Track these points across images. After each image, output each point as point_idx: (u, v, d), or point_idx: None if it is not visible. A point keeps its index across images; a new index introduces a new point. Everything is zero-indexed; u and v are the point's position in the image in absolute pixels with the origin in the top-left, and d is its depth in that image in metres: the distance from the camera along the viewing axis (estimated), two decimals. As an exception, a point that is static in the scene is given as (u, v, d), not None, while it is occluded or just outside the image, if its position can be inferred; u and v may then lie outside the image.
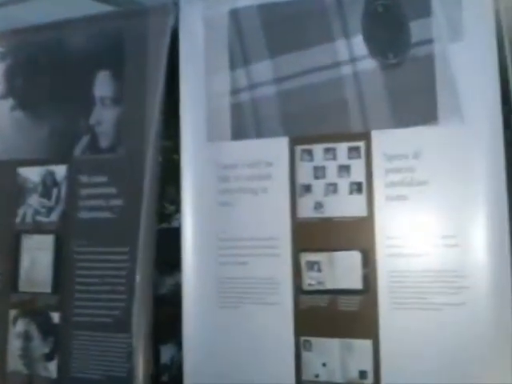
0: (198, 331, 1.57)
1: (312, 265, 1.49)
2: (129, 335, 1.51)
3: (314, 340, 1.47)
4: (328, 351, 1.44)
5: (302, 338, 1.47)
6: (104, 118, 1.68)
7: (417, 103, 1.42)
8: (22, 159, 1.76)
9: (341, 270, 1.47)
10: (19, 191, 1.73)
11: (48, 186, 1.71)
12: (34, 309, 1.65)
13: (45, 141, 1.75)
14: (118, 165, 1.61)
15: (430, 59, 1.41)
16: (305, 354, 1.46)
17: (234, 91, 1.59)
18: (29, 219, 1.71)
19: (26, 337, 1.63)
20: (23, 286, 1.68)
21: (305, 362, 1.46)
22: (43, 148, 1.76)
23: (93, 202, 1.64)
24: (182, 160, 1.61)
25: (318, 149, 1.51)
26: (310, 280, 1.49)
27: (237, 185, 1.57)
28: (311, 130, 1.52)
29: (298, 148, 1.52)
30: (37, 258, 1.68)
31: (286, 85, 1.55)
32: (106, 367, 1.54)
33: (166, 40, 1.59)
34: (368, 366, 1.40)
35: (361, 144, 1.47)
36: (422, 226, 1.39)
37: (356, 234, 1.46)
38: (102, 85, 1.69)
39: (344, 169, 1.48)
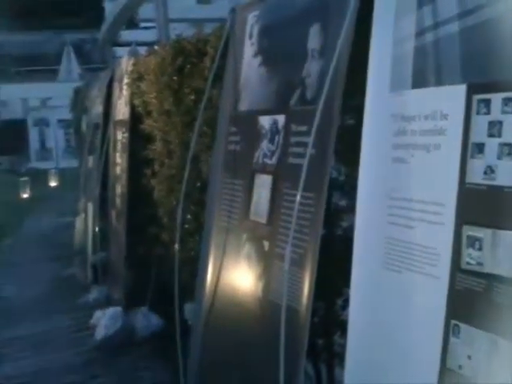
0: (363, 289, 1.55)
1: (473, 241, 1.24)
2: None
3: (463, 327, 1.24)
4: (475, 343, 1.20)
5: (453, 322, 1.27)
6: (311, 70, 1.75)
7: None
8: (261, 109, 2.02)
9: (503, 253, 1.17)
10: (257, 137, 2.01)
11: (273, 132, 1.93)
12: (254, 236, 1.95)
13: (274, 93, 1.96)
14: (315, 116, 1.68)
15: None
16: (452, 340, 1.26)
17: (420, 32, 1.40)
18: (260, 160, 1.99)
19: (249, 258, 1.97)
20: (252, 216, 2.00)
21: (451, 349, 1.26)
22: (272, 99, 1.97)
23: (297, 150, 1.78)
24: (365, 113, 1.54)
25: (496, 99, 1.19)
26: (469, 258, 1.24)
27: (412, 139, 1.41)
28: (492, 75, 1.20)
29: (475, 98, 1.24)
30: (261, 194, 1.95)
31: (469, 20, 1.26)
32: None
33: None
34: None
35: (550, 93, 1.09)
36: None
37: (528, 212, 1.12)
38: (314, 37, 1.75)
39: (524, 125, 1.14)
